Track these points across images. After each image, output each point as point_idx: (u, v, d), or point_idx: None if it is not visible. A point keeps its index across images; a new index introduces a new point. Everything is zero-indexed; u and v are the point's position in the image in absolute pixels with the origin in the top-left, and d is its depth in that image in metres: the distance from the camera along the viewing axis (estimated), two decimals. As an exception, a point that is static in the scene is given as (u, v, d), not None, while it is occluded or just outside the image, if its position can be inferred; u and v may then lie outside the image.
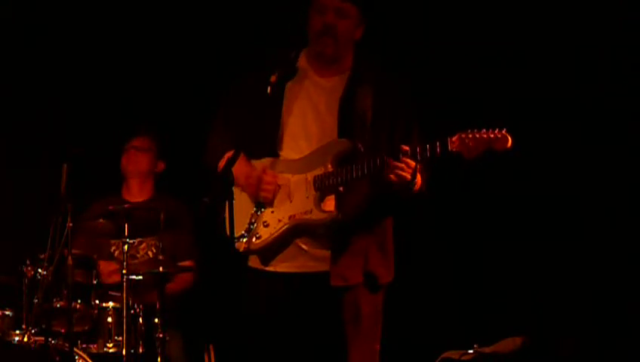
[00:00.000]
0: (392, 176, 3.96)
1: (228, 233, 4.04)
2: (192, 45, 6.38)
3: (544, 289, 5.64)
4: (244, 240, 4.12)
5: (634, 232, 5.48)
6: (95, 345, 5.33)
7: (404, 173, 3.96)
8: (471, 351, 5.33)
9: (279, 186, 4.13)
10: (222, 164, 4.14)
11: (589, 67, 5.59)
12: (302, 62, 4.25)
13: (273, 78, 4.10)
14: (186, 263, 5.79)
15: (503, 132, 3.88)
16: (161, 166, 6.09)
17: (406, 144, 3.99)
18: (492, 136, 3.87)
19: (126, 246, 5.32)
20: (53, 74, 6.36)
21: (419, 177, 4.06)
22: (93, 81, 6.42)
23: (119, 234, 5.37)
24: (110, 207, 5.47)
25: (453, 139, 3.90)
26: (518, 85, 5.68)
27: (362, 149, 4.07)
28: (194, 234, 5.81)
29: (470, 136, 3.88)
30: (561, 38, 5.65)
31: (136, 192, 6.02)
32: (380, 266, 4.20)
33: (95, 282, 5.40)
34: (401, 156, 3.94)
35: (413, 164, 3.96)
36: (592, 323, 5.51)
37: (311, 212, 4.08)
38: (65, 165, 5.06)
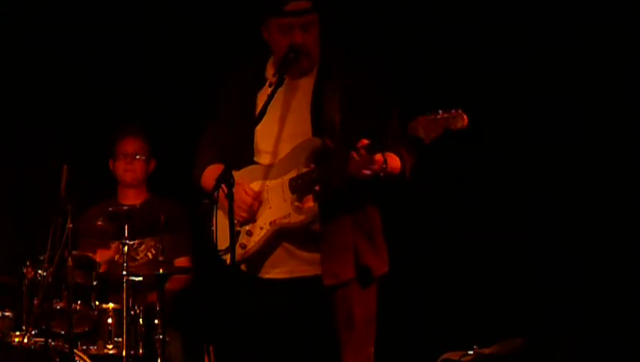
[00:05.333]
0: (364, 171, 3.96)
1: (217, 246, 4.08)
2: (183, 40, 6.37)
3: (544, 289, 5.64)
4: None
5: (633, 231, 5.48)
6: (95, 347, 5.34)
7: (366, 171, 3.96)
8: (471, 352, 5.32)
9: (259, 203, 4.12)
10: (207, 181, 4.16)
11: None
12: (269, 72, 4.23)
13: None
14: (182, 260, 5.80)
15: (459, 111, 3.89)
16: (153, 165, 6.05)
17: (386, 126, 4.03)
18: (447, 115, 3.89)
19: (125, 248, 5.32)
20: (53, 74, 6.36)
21: (391, 164, 4.05)
22: (88, 80, 6.42)
23: (119, 236, 5.37)
24: (110, 209, 5.48)
25: (413, 124, 3.92)
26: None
27: (331, 145, 4.07)
28: (190, 234, 5.79)
29: (430, 118, 3.89)
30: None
31: (133, 196, 5.98)
32: (372, 257, 4.18)
33: (95, 283, 5.41)
34: (362, 151, 3.93)
35: (380, 158, 3.96)
36: (591, 324, 5.51)
37: (289, 215, 4.08)
38: (65, 166, 5.05)
